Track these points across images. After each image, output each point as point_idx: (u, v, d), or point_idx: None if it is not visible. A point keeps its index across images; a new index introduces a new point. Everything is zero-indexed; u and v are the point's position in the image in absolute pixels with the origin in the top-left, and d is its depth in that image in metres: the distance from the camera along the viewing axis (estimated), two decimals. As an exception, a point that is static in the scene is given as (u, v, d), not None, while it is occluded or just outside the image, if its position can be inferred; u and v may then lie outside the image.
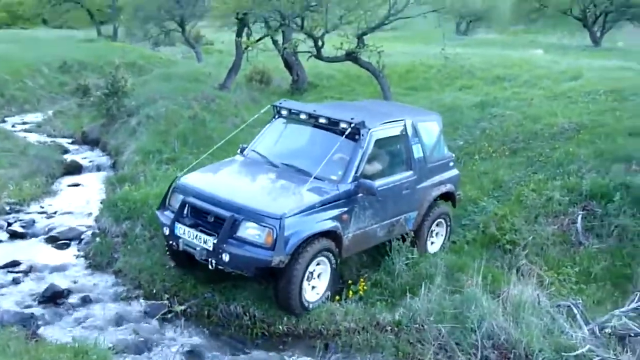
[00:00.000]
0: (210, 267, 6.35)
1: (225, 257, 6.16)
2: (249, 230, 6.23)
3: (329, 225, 6.51)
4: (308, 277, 6.51)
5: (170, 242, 6.88)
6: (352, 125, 6.88)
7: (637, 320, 6.92)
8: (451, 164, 8.46)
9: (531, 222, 8.60)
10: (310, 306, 6.56)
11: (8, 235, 9.01)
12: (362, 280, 7.32)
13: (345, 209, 6.72)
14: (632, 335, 6.48)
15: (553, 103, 12.28)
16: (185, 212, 6.73)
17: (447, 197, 8.37)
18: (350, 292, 7.09)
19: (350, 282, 7.32)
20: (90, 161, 13.55)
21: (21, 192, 10.52)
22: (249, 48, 14.45)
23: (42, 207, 10.35)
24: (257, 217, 6.22)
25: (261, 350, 6.27)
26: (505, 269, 7.64)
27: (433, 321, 6.38)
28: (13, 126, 16.40)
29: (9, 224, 9.33)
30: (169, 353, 6.09)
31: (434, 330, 6.30)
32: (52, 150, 13.58)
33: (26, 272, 7.82)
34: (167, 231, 6.81)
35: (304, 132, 7.72)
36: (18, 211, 10.00)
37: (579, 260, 8.04)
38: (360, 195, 6.80)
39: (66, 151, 14.12)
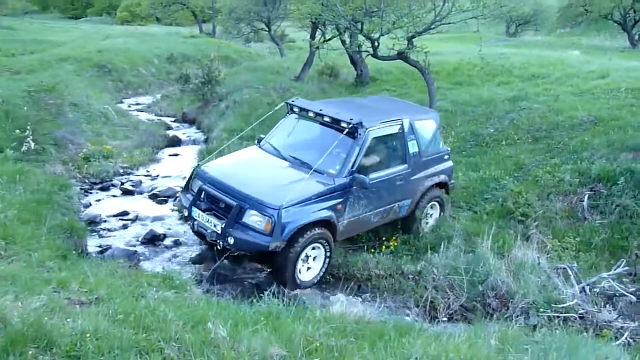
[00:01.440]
0: (218, 247, 6.45)
1: (231, 240, 6.15)
2: (253, 218, 6.19)
3: (324, 214, 6.45)
4: (304, 259, 6.52)
5: (188, 222, 6.99)
6: (351, 125, 6.79)
7: (624, 282, 7.16)
8: (446, 156, 8.34)
9: (543, 198, 8.75)
10: (302, 285, 6.56)
11: (121, 192, 9.98)
12: (393, 238, 7.76)
13: (340, 199, 6.65)
14: (617, 295, 6.72)
15: (577, 99, 12.13)
16: (202, 197, 6.71)
17: (442, 186, 8.30)
18: (383, 247, 7.54)
19: (384, 239, 7.78)
20: (188, 136, 14.28)
21: (132, 159, 11.47)
22: (319, 47, 14.89)
23: (147, 171, 11.23)
24: (259, 206, 6.17)
25: (312, 289, 6.85)
26: (516, 236, 7.93)
27: (448, 273, 6.82)
28: (129, 106, 17.36)
29: (122, 183, 10.33)
30: (235, 285, 6.72)
31: (447, 280, 6.77)
32: (158, 127, 14.48)
33: (133, 220, 8.69)
34: (186, 213, 6.86)
35: (312, 128, 7.48)
36: (129, 173, 10.97)
37: (582, 232, 8.14)
38: (354, 187, 6.73)
39: (169, 128, 14.98)
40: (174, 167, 11.49)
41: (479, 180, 9.59)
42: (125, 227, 8.40)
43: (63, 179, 8.95)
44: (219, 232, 6.24)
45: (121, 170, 10.90)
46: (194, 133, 14.76)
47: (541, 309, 6.26)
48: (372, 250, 7.41)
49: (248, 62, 21.86)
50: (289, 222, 6.10)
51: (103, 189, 10.04)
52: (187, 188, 7.14)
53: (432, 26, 11.41)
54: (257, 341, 3.47)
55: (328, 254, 6.69)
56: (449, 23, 11.35)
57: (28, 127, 10.05)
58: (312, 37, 16.77)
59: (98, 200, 9.52)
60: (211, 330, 3.59)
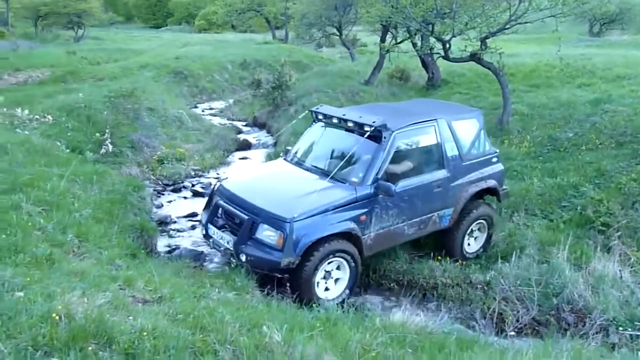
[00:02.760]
0: (232, 265, 6.04)
1: (243, 257, 5.77)
2: (266, 232, 5.76)
3: (344, 227, 5.88)
4: (325, 276, 5.98)
5: (206, 241, 6.63)
6: (373, 127, 6.24)
7: None
8: (494, 159, 7.58)
9: (627, 207, 8.13)
10: (326, 304, 5.80)
11: (192, 193, 10.24)
12: (462, 246, 7.45)
13: (364, 210, 6.07)
14: None
15: (668, 101, 11.31)
16: (219, 213, 6.41)
17: (491, 192, 7.57)
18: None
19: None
20: (258, 140, 14.50)
21: (203, 162, 11.76)
22: (389, 51, 14.72)
23: (217, 174, 11.43)
24: (271, 219, 5.75)
25: (373, 295, 6.73)
26: (595, 247, 7.44)
27: (519, 284, 6.47)
28: (202, 111, 17.89)
29: (193, 185, 10.60)
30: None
31: (518, 292, 6.42)
32: (229, 131, 14.80)
33: (201, 222, 8.81)
34: (203, 231, 6.58)
35: (337, 136, 6.98)
36: (200, 176, 11.26)
37: (670, 245, 7.54)
38: (381, 196, 6.13)
39: (240, 131, 15.27)
40: (243, 170, 11.60)
41: (556, 187, 9.08)
42: (193, 227, 8.56)
43: (137, 181, 9.26)
44: (232, 248, 5.92)
45: (192, 173, 11.21)
46: (264, 137, 14.95)
47: (622, 327, 5.82)
48: (439, 257, 7.15)
49: (319, 67, 21.94)
50: (302, 235, 5.61)
51: (175, 191, 10.34)
52: (208, 205, 6.80)
53: (507, 26, 10.96)
54: (312, 348, 3.38)
55: (354, 269, 6.09)
56: (525, 22, 10.85)
57: (107, 131, 10.52)
58: (383, 40, 16.59)
59: (169, 202, 9.82)
60: (266, 334, 3.53)
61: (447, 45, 11.98)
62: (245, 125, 16.24)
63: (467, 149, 7.12)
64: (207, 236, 6.47)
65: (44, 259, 5.04)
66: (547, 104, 12.60)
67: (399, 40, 16.39)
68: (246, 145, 13.72)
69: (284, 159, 7.30)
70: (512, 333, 5.78)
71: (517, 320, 6.10)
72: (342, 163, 6.26)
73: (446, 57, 12.20)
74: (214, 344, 3.52)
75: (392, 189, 5.99)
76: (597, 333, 5.81)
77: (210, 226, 6.39)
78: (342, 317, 4.30)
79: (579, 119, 11.38)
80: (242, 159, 12.78)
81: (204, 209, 6.84)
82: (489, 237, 7.53)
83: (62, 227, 5.91)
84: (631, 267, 6.81)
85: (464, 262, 7.10)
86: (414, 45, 15.42)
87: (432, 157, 6.86)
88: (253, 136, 14.90)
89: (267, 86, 16.02)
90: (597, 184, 8.97)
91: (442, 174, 6.83)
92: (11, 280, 4.10)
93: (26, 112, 10.54)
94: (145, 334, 3.55)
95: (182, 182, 10.69)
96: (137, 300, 4.64)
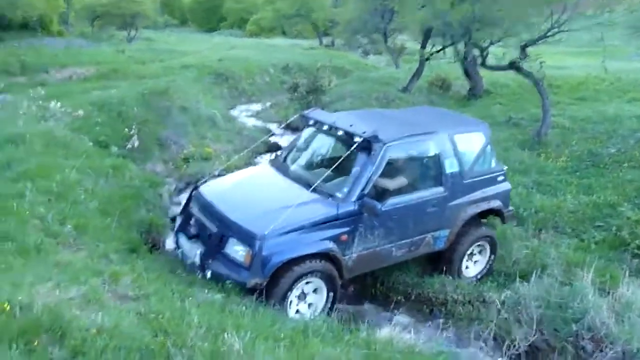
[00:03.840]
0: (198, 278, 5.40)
1: (208, 274, 5.27)
2: (235, 247, 5.22)
3: (321, 247, 5.29)
4: (300, 296, 5.41)
5: (175, 250, 6.12)
6: (363, 138, 5.66)
7: None
8: (500, 177, 6.85)
9: (667, 231, 7.55)
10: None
11: (213, 192, 10.10)
12: (478, 261, 7.02)
13: (346, 229, 5.46)
14: None
15: None
16: (191, 222, 5.89)
17: (495, 213, 6.90)
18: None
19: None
20: (288, 143, 14.31)
21: (229, 162, 11.66)
22: (429, 58, 14.35)
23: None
24: (241, 234, 5.20)
25: (378, 306, 6.40)
26: (628, 271, 6.87)
27: (536, 305, 6.01)
28: (239, 113, 17.93)
29: (215, 185, 10.46)
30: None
31: (535, 314, 5.96)
32: (261, 133, 14.70)
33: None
34: (175, 240, 6.11)
35: (327, 143, 6.49)
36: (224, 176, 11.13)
37: None
38: (366, 214, 5.51)
39: (272, 134, 15.18)
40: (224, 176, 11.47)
41: (591, 205, 8.52)
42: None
43: (155, 177, 9.25)
44: (198, 263, 5.39)
45: (216, 173, 11.07)
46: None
47: (647, 360, 5.30)
48: (452, 272, 6.73)
49: (359, 73, 21.68)
50: (273, 254, 5.05)
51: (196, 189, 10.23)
52: (183, 211, 6.26)
53: (549, 34, 10.42)
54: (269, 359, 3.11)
55: (331, 293, 5.50)
56: (568, 30, 10.29)
57: (133, 127, 10.57)
58: (423, 47, 16.20)
59: (189, 200, 9.69)
60: (227, 342, 3.29)
61: (485, 53, 11.52)
62: (279, 128, 16.11)
63: (469, 165, 6.44)
64: (177, 246, 5.98)
65: (33, 248, 4.98)
66: (590, 117, 11.94)
67: (439, 48, 15.97)
68: (275, 148, 13.54)
69: (270, 164, 6.77)
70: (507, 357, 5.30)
71: (529, 345, 5.67)
72: (325, 175, 5.68)
73: (484, 65, 11.73)
74: (171, 348, 3.29)
75: (377, 208, 5.35)
76: (618, 365, 5.33)
77: (180, 235, 5.93)
78: (320, 329, 4.01)
79: (624, 134, 10.71)
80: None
81: (179, 214, 6.32)
82: (491, 260, 6.94)
83: (61, 217, 5.85)
84: (664, 296, 6.23)
85: (480, 280, 6.67)
86: (457, 53, 14.97)
87: (428, 173, 6.25)
88: (284, 139, 14.73)
89: (301, 89, 15.84)
90: (637, 204, 8.35)
91: (438, 192, 6.18)
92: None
93: (59, 105, 10.72)
94: (101, 332, 3.36)
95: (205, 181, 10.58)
96: (117, 296, 4.49)
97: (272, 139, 14.31)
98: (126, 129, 10.73)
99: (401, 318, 5.58)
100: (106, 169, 7.93)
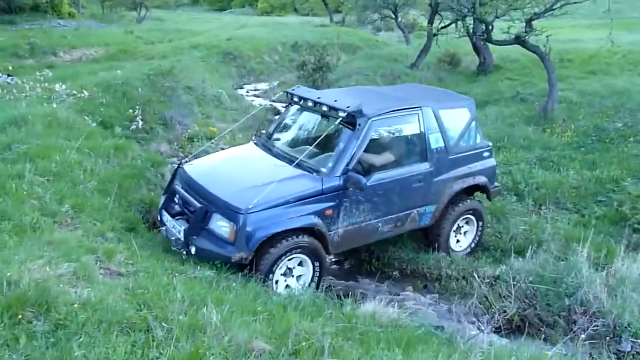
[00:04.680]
0: (183, 256, 5.41)
1: (192, 249, 5.31)
2: (219, 223, 5.28)
3: (306, 221, 5.33)
4: (286, 272, 5.46)
5: (159, 228, 6.16)
6: (347, 112, 5.66)
7: None
8: (485, 153, 6.85)
9: (669, 206, 7.49)
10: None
11: (216, 171, 10.19)
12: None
13: (331, 203, 5.49)
14: None
15: None
16: (175, 199, 5.98)
17: (481, 189, 6.95)
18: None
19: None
20: (294, 122, 14.35)
21: (233, 141, 11.71)
22: (436, 34, 14.19)
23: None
24: (225, 210, 5.25)
25: (372, 280, 6.46)
26: (627, 247, 6.86)
27: (531, 281, 6.04)
28: (247, 92, 17.92)
29: (219, 164, 10.55)
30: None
31: (528, 289, 5.99)
32: (267, 112, 14.75)
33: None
34: (158, 217, 6.13)
35: (311, 120, 6.47)
36: (228, 155, 11.21)
37: None
38: (351, 189, 5.55)
39: (277, 113, 15.17)
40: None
41: (594, 180, 8.50)
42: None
43: (158, 157, 9.31)
44: (182, 239, 5.43)
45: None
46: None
47: (638, 334, 5.31)
48: (449, 248, 6.77)
49: (367, 50, 21.51)
50: (257, 228, 5.10)
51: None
52: (167, 190, 6.30)
53: (555, 7, 10.23)
54: (245, 332, 3.20)
55: (317, 269, 5.54)
56: (575, 2, 10.09)
57: (137, 107, 10.65)
58: (431, 22, 16.01)
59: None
60: (204, 315, 3.39)
61: (490, 27, 11.36)
62: (285, 107, 16.10)
63: (454, 141, 6.46)
64: (161, 224, 6.01)
65: (29, 227, 5.11)
66: (599, 91, 11.78)
67: (447, 23, 15.78)
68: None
69: (255, 142, 6.79)
70: (490, 329, 5.35)
71: (523, 320, 5.72)
72: (309, 150, 5.71)
73: (489, 40, 11.59)
74: (151, 321, 3.40)
75: (362, 182, 5.40)
76: (610, 339, 5.36)
77: (164, 213, 5.93)
78: (301, 303, 4.09)
79: (632, 108, 10.58)
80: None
81: (163, 193, 6.38)
82: (479, 231, 6.98)
83: (59, 197, 5.97)
84: (661, 271, 6.21)
85: (475, 255, 6.70)
86: (466, 28, 14.76)
87: (413, 148, 6.24)
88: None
89: (308, 67, 15.80)
90: (640, 178, 8.29)
91: (424, 167, 6.20)
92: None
93: (64, 87, 10.83)
94: (85, 306, 3.47)
95: (209, 161, 10.69)
96: (110, 272, 4.62)
97: (278, 117, 14.33)
98: (130, 110, 10.82)
99: (407, 294, 5.63)
100: (108, 150, 8.01)
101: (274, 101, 16.71)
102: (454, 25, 15.96)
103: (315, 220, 5.39)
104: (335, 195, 5.53)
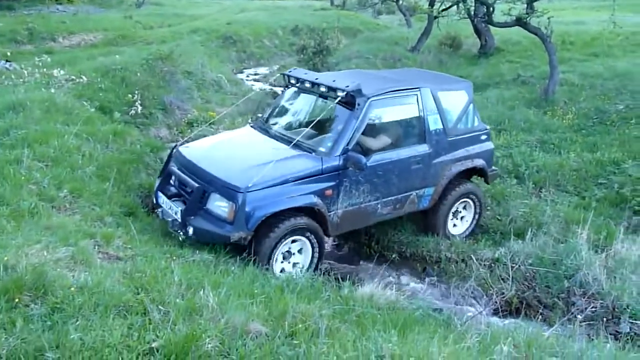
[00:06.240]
0: (180, 239, 5.37)
1: (190, 230, 5.24)
2: (217, 203, 5.23)
3: (305, 201, 5.30)
4: (285, 256, 5.47)
5: (155, 210, 6.12)
6: (346, 92, 5.65)
7: None
8: (483, 136, 6.83)
9: (669, 188, 7.47)
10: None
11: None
12: (475, 220, 7.03)
13: (331, 183, 5.47)
14: None
15: None
16: (171, 181, 5.99)
17: (479, 173, 6.94)
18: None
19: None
20: (294, 106, 14.29)
21: (232, 125, 11.68)
22: (437, 17, 14.07)
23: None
24: (223, 189, 5.20)
25: (371, 264, 6.47)
26: (627, 229, 6.85)
27: (530, 263, 6.05)
28: (247, 76, 17.80)
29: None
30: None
31: (527, 271, 6.00)
32: (266, 96, 14.68)
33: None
34: (154, 199, 6.09)
35: (309, 102, 6.39)
36: (228, 139, 11.19)
37: None
38: (350, 169, 5.54)
39: (276, 96, 15.13)
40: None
41: (595, 163, 8.46)
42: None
43: (157, 142, 9.29)
44: (179, 220, 5.37)
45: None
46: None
47: (637, 316, 5.32)
48: (448, 231, 6.76)
49: (368, 33, 21.35)
50: (256, 207, 5.05)
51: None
52: (163, 172, 6.28)
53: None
54: (242, 314, 3.21)
55: (316, 249, 5.54)
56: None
57: (136, 92, 10.60)
58: (431, 4, 15.87)
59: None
60: (201, 298, 3.39)
61: (491, 9, 11.25)
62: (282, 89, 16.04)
63: (452, 123, 6.44)
64: (157, 205, 5.97)
65: (27, 212, 5.12)
66: (601, 73, 11.70)
67: (448, 6, 15.64)
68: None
69: (251, 125, 6.76)
70: (486, 311, 5.36)
71: (521, 302, 5.74)
72: (307, 130, 5.70)
73: (490, 22, 11.50)
74: (148, 304, 3.40)
75: (362, 162, 5.38)
76: (608, 320, 5.37)
77: (160, 195, 5.90)
78: (299, 286, 4.09)
79: (634, 90, 10.51)
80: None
81: (159, 176, 6.35)
82: (477, 215, 6.95)
83: (58, 182, 5.97)
84: (660, 253, 6.20)
85: (474, 238, 6.70)
86: (467, 10, 14.63)
87: (412, 129, 6.22)
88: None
89: (307, 51, 15.69)
90: (641, 160, 8.25)
91: (422, 149, 6.18)
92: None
93: (62, 72, 10.79)
94: (82, 290, 3.48)
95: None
96: (108, 257, 4.62)
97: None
98: (129, 95, 10.77)
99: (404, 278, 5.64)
100: (107, 135, 7.99)
101: (272, 85, 16.67)
102: (455, 7, 15.83)
103: (315, 200, 5.37)
104: (335, 175, 5.52)
